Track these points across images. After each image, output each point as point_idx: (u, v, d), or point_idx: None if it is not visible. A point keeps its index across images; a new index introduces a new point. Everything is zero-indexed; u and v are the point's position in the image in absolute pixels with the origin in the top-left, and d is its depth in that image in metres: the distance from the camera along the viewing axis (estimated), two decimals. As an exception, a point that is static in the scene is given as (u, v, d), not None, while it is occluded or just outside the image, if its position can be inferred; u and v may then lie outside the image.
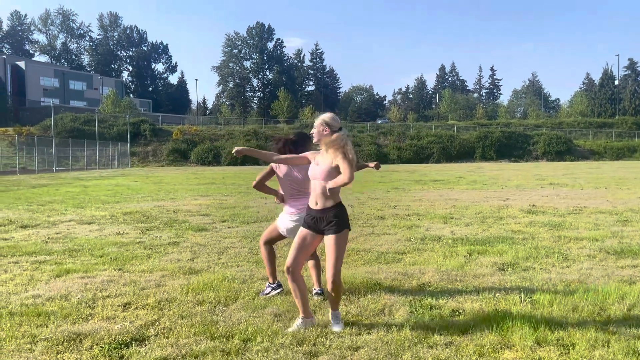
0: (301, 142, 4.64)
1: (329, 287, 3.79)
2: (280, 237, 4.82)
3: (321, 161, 3.84)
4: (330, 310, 3.93)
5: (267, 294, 4.68)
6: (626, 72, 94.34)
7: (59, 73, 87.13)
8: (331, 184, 3.70)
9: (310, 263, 4.79)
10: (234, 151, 4.00)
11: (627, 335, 3.58)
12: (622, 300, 4.39)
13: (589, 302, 4.33)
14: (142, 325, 3.87)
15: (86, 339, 3.60)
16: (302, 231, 3.92)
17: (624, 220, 9.23)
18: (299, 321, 3.84)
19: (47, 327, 3.86)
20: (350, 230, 3.89)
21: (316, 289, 4.71)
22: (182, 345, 3.47)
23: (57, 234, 8.39)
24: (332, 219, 3.77)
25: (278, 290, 4.72)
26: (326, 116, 3.92)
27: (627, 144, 64.42)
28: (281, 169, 4.66)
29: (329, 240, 3.78)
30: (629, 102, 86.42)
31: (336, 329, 3.78)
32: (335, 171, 3.74)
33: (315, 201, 3.85)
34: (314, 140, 3.95)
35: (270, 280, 4.79)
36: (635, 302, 4.34)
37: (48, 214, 11.01)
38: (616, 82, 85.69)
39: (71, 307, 4.33)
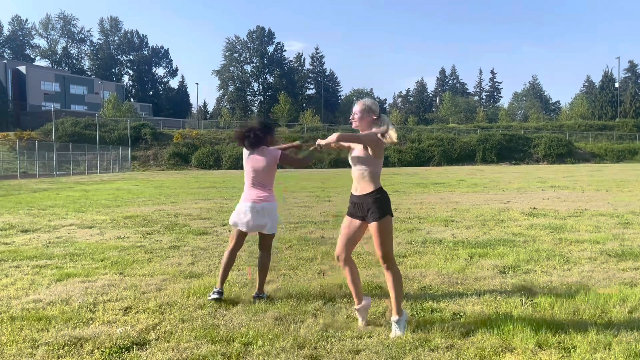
0: (269, 131, 4.70)
1: (384, 272, 3.85)
2: (241, 236, 4.73)
3: (356, 146, 3.87)
4: (392, 315, 3.83)
5: (210, 298, 4.55)
6: (626, 75, 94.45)
7: (60, 77, 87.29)
8: (346, 135, 3.72)
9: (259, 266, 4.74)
10: (322, 142, 3.94)
11: (629, 338, 3.58)
12: (624, 303, 4.39)
13: (590, 305, 4.33)
14: (143, 330, 3.87)
15: (87, 343, 3.60)
16: (346, 219, 3.98)
17: (625, 222, 9.22)
18: (355, 313, 3.96)
19: (48, 331, 3.86)
20: (392, 216, 3.87)
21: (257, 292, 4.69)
22: (183, 349, 3.47)
23: (58, 238, 8.39)
24: (372, 205, 3.76)
25: (215, 297, 4.50)
26: (369, 102, 3.93)
27: (627, 146, 64.40)
28: (246, 159, 4.69)
29: (371, 227, 3.79)
30: (630, 105, 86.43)
31: (393, 334, 3.71)
32: (367, 155, 3.78)
33: (355, 187, 3.89)
34: (354, 125, 3.92)
35: (217, 285, 4.62)
36: (636, 305, 4.33)
37: (49, 218, 11.02)
38: (616, 85, 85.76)
39: (72, 312, 4.33)
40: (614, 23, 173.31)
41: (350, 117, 3.96)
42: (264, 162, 4.62)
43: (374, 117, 3.86)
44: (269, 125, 4.75)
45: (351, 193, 3.97)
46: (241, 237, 4.74)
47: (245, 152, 4.72)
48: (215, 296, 4.51)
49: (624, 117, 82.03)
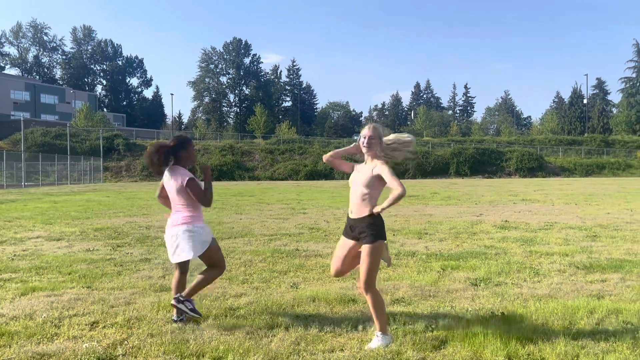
0: (182, 146, 4.32)
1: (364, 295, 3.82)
2: (184, 262, 4.43)
3: (362, 168, 3.90)
4: (376, 330, 3.81)
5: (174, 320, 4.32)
6: (594, 91, 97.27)
7: (30, 86, 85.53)
8: (386, 203, 3.66)
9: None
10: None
11: (596, 350, 3.64)
12: (591, 315, 4.47)
13: (559, 317, 4.40)
14: (109, 345, 3.77)
15: (50, 360, 3.48)
16: (342, 240, 4.01)
17: (593, 235, 9.43)
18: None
19: (10, 347, 3.73)
20: (385, 240, 3.86)
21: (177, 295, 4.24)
22: (150, 365, 3.39)
23: (24, 250, 8.16)
24: (366, 229, 3.77)
25: (176, 319, 4.30)
26: (380, 127, 3.92)
27: (595, 161, 66.08)
28: (164, 180, 4.35)
29: (362, 250, 3.80)
30: (597, 120, 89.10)
31: (371, 345, 3.69)
32: (376, 180, 3.77)
33: (351, 209, 3.88)
34: (365, 150, 3.85)
35: (174, 313, 4.35)
36: (603, 317, 4.41)
37: (15, 230, 10.72)
38: (585, 101, 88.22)
39: (36, 327, 4.20)
40: (582, 40, 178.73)
41: (361, 141, 3.87)
42: (179, 183, 4.23)
43: (380, 141, 3.88)
44: (183, 140, 4.36)
45: (348, 216, 3.98)
46: (183, 263, 4.43)
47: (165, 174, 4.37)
48: (176, 319, 4.31)
49: (592, 132, 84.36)
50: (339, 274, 4.09)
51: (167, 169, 4.37)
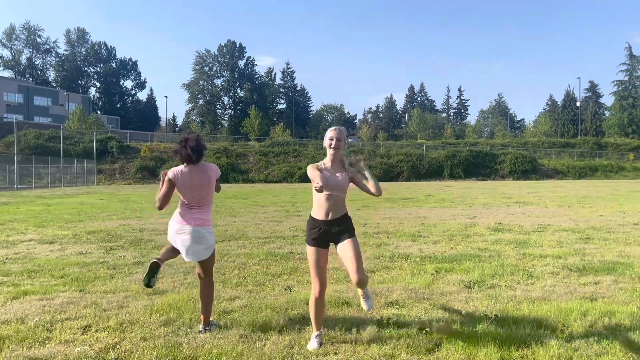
0: (202, 146, 4.30)
1: (356, 285, 3.90)
2: (176, 250, 4.33)
3: (336, 172, 3.89)
4: (360, 294, 4.04)
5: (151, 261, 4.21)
6: (587, 94, 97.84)
7: (23, 88, 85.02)
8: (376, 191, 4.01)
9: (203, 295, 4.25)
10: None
11: (589, 352, 3.65)
12: (584, 317, 4.48)
13: (552, 319, 4.41)
14: (102, 349, 3.75)
15: (42, 364, 3.45)
16: (314, 251, 3.88)
17: (586, 237, 9.47)
18: (315, 339, 3.90)
19: (1, 351, 3.70)
20: None
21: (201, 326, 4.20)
22: (143, 369, 3.37)
23: (16, 254, 8.10)
24: (346, 225, 3.89)
25: (154, 261, 4.17)
26: (345, 130, 4.02)
27: (588, 163, 66.44)
28: (182, 178, 4.28)
29: (347, 244, 3.83)
30: (590, 123, 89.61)
31: (366, 306, 3.97)
32: (347, 184, 3.94)
33: (327, 212, 3.86)
34: (335, 152, 3.87)
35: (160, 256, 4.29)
36: (596, 319, 4.43)
37: (7, 234, 10.64)
38: (578, 104, 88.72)
39: (27, 331, 4.17)
40: (575, 44, 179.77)
41: (331, 145, 3.87)
42: (208, 177, 4.27)
43: (345, 144, 3.97)
44: (201, 140, 4.35)
45: (316, 220, 3.88)
46: (177, 251, 4.37)
47: (177, 170, 4.30)
48: (154, 261, 4.14)
49: (585, 135, 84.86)
50: (324, 289, 3.88)
51: (193, 165, 4.25)
